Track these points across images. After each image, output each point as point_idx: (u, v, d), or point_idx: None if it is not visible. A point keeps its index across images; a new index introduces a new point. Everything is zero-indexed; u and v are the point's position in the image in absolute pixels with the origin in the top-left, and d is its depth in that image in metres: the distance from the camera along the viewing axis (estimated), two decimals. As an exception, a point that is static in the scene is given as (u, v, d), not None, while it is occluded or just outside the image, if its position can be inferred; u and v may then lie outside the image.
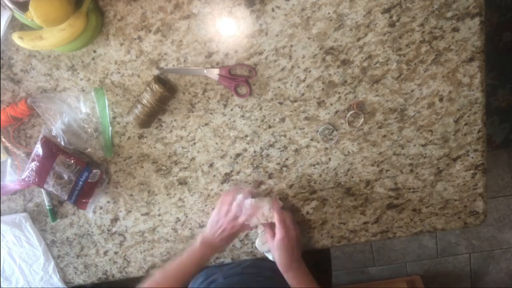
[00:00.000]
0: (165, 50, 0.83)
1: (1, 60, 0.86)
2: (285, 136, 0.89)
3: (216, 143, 0.90)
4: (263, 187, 0.93)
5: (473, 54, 0.81)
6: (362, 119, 0.85)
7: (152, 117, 0.85)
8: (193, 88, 0.86)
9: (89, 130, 0.89)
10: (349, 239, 0.98)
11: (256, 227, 0.89)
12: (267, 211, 0.86)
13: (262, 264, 0.98)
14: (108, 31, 0.82)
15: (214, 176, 0.93)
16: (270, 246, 0.85)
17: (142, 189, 0.96)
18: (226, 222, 0.85)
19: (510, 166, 1.83)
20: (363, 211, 0.95)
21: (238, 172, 0.93)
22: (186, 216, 0.98)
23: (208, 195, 0.95)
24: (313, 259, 0.97)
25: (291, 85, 0.84)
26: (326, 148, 0.89)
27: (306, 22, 0.79)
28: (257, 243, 0.92)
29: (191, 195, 0.96)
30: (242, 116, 0.87)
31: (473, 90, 0.83)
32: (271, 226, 0.86)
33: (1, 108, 0.89)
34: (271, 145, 0.90)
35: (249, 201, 0.86)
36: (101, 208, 0.98)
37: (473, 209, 0.94)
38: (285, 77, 0.84)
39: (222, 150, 0.91)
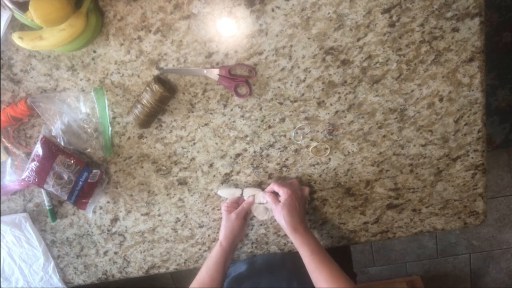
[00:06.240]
0: (165, 50, 0.83)
1: (1, 60, 0.86)
2: (285, 136, 0.89)
3: (216, 143, 0.90)
4: (263, 186, 0.93)
5: (473, 54, 0.80)
6: (328, 151, 0.88)
7: (152, 117, 0.85)
8: (193, 88, 0.86)
9: (89, 130, 0.89)
10: (349, 239, 0.98)
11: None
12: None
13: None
14: (108, 31, 0.82)
15: (214, 176, 0.93)
16: (275, 212, 0.87)
17: (142, 189, 0.96)
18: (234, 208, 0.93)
19: (510, 166, 1.83)
20: (363, 211, 0.95)
21: (238, 172, 0.93)
22: (186, 216, 0.98)
23: (208, 195, 0.95)
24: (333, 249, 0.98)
25: (291, 85, 0.84)
26: (326, 148, 0.89)
27: (306, 22, 0.79)
28: (257, 215, 0.95)
29: (191, 195, 0.96)
30: (242, 116, 0.87)
31: (473, 90, 0.83)
32: (275, 194, 0.90)
33: (1, 108, 0.89)
34: (271, 145, 0.90)
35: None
36: (101, 208, 0.98)
37: (473, 209, 0.94)
38: (285, 77, 0.84)
39: (222, 150, 0.91)
